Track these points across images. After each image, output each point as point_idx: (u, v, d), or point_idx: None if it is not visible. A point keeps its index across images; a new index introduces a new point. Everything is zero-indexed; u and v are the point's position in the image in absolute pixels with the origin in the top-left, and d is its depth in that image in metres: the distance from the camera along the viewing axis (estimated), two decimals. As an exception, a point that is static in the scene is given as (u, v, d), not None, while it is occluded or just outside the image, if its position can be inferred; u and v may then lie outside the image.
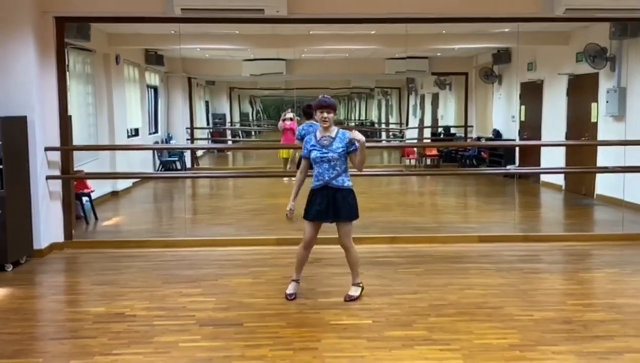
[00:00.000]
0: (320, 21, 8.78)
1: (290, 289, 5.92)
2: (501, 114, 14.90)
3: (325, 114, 5.72)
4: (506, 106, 14.58)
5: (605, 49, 10.75)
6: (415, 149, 15.55)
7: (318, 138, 5.77)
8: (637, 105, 10.17)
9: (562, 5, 7.47)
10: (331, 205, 5.71)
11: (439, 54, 15.11)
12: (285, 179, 13.89)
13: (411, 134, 18.08)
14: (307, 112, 9.58)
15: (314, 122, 9.71)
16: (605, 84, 10.99)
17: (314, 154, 5.74)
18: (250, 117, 22.07)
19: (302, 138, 9.53)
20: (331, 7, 7.86)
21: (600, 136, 11.15)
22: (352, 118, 22.54)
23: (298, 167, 6.13)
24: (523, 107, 13.92)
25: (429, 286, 6.14)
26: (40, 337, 5.12)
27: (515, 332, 4.95)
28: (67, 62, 8.51)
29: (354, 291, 5.87)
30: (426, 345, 4.71)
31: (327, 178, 5.70)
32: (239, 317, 5.36)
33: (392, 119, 19.68)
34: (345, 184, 5.74)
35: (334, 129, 5.78)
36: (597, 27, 10.76)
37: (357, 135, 5.62)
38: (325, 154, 5.69)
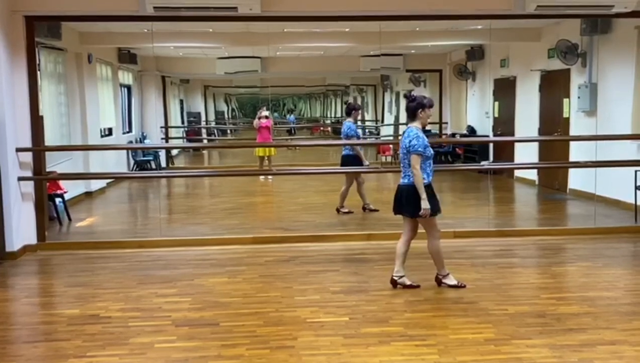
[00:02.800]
0: (294, 19, 8.78)
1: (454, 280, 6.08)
2: (475, 111, 15.03)
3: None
4: (480, 102, 14.71)
5: (576, 45, 10.88)
6: (391, 145, 15.59)
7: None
8: (608, 100, 10.31)
9: (533, 2, 7.54)
10: None
11: (413, 51, 15.18)
12: (261, 177, 13.91)
13: (387, 131, 18.17)
14: (348, 111, 10.05)
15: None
16: (576, 80, 11.12)
17: (432, 150, 5.93)
18: (226, 116, 22.01)
19: (349, 136, 9.50)
20: (304, 5, 7.85)
21: (573, 131, 11.28)
22: (328, 116, 22.59)
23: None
24: (497, 103, 14.05)
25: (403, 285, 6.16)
26: (13, 341, 5.04)
27: (490, 327, 5.00)
28: (38, 62, 8.41)
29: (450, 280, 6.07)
30: (402, 340, 4.74)
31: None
32: (215, 317, 5.34)
33: (368, 116, 19.75)
34: None
35: None
36: (568, 24, 10.88)
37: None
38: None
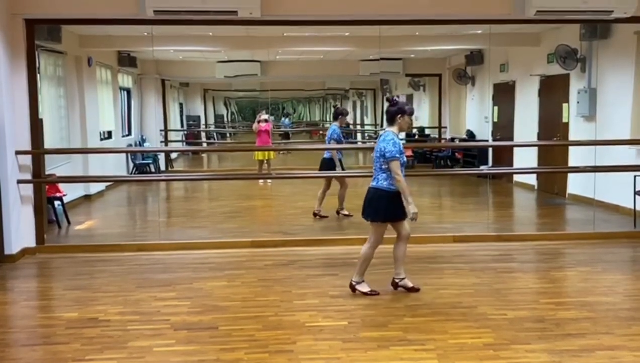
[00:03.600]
0: (294, 23, 8.78)
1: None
2: (474, 115, 15.03)
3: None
4: (479, 106, 14.71)
5: (575, 50, 10.89)
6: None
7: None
8: (607, 105, 10.32)
9: (532, 7, 7.54)
10: None
11: (412, 55, 15.20)
12: (260, 181, 13.90)
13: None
14: (335, 115, 10.00)
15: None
16: (576, 85, 11.13)
17: (405, 158, 5.90)
18: (225, 119, 22.00)
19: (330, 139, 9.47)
20: (304, 9, 7.85)
21: (572, 136, 11.30)
22: (328, 120, 22.58)
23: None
24: (496, 108, 14.06)
25: (404, 287, 6.16)
26: (11, 344, 5.03)
27: (489, 331, 4.99)
28: (37, 65, 8.41)
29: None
30: (401, 345, 4.73)
31: None
32: (214, 321, 5.33)
33: (367, 120, 19.76)
34: None
35: None
36: (567, 29, 10.90)
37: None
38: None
